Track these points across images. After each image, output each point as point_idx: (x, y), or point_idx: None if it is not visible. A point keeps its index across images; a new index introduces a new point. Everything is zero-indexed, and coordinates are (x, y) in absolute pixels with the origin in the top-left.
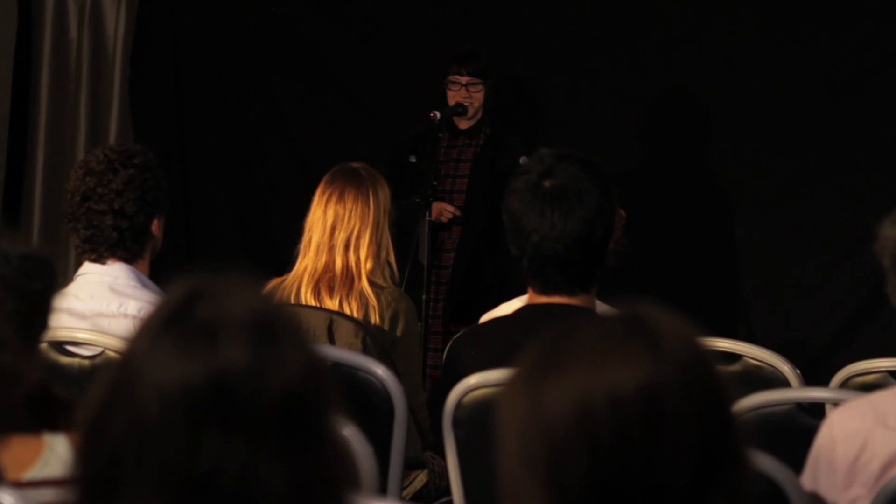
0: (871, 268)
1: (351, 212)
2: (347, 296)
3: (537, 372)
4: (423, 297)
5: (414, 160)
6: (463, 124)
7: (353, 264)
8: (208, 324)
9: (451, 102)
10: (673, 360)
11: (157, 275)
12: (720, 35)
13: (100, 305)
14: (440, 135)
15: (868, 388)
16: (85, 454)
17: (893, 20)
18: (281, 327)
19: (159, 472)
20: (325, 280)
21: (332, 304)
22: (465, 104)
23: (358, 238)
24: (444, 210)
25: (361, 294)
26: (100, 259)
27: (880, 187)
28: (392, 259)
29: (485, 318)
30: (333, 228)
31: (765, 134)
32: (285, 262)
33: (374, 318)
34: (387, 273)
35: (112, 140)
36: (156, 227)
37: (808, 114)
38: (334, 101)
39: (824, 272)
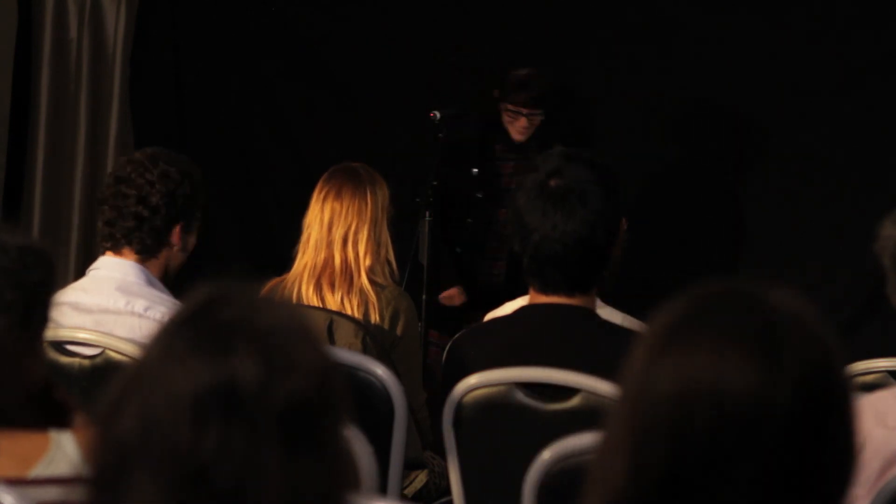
0: (871, 268)
1: (348, 208)
2: (348, 292)
3: (661, 341)
4: (423, 297)
5: (476, 171)
6: (518, 137)
7: (352, 260)
8: (225, 329)
9: (507, 126)
10: (791, 378)
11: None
12: (722, 35)
13: (106, 301)
14: (496, 146)
15: (868, 388)
16: (97, 449)
17: (894, 20)
18: (297, 339)
19: (164, 465)
20: (326, 276)
21: (333, 299)
22: (522, 133)
23: (356, 234)
24: (453, 297)
25: (361, 291)
26: (116, 247)
27: (881, 187)
28: (392, 257)
29: (488, 317)
30: (331, 224)
31: (765, 133)
32: (285, 262)
33: (374, 317)
34: (386, 271)
35: (112, 140)
36: (177, 235)
37: (808, 113)
38: (334, 101)
39: (824, 272)
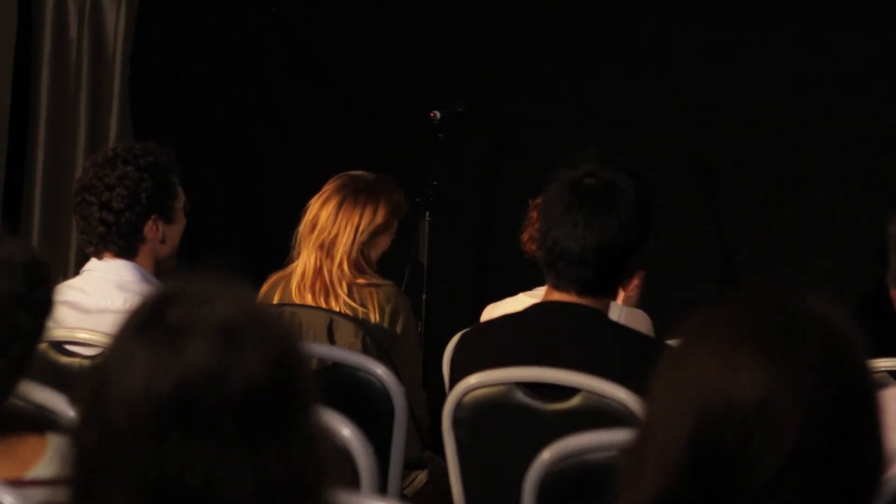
0: (871, 268)
1: (331, 215)
2: (325, 296)
3: (679, 350)
4: (424, 297)
5: None
6: None
7: (327, 272)
8: (176, 329)
9: None
10: (805, 380)
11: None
12: (722, 35)
13: (105, 301)
14: None
15: None
16: (67, 459)
17: (894, 20)
18: (249, 329)
19: (128, 476)
20: (308, 277)
21: (315, 299)
22: None
23: (332, 244)
24: None
25: (345, 303)
26: (97, 253)
27: (881, 188)
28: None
29: (488, 310)
30: (314, 226)
31: (764, 133)
32: (285, 262)
33: (374, 316)
34: (370, 271)
35: (112, 140)
36: (150, 229)
37: (807, 113)
38: (335, 102)
39: (824, 272)
